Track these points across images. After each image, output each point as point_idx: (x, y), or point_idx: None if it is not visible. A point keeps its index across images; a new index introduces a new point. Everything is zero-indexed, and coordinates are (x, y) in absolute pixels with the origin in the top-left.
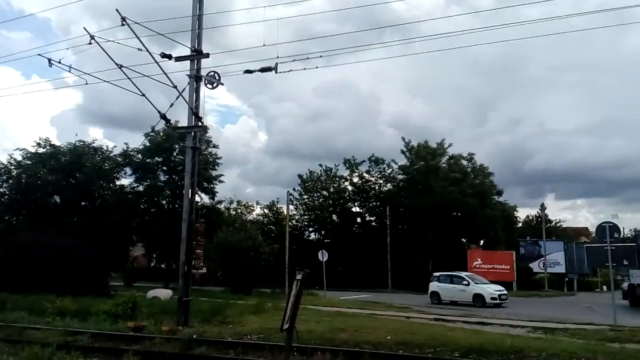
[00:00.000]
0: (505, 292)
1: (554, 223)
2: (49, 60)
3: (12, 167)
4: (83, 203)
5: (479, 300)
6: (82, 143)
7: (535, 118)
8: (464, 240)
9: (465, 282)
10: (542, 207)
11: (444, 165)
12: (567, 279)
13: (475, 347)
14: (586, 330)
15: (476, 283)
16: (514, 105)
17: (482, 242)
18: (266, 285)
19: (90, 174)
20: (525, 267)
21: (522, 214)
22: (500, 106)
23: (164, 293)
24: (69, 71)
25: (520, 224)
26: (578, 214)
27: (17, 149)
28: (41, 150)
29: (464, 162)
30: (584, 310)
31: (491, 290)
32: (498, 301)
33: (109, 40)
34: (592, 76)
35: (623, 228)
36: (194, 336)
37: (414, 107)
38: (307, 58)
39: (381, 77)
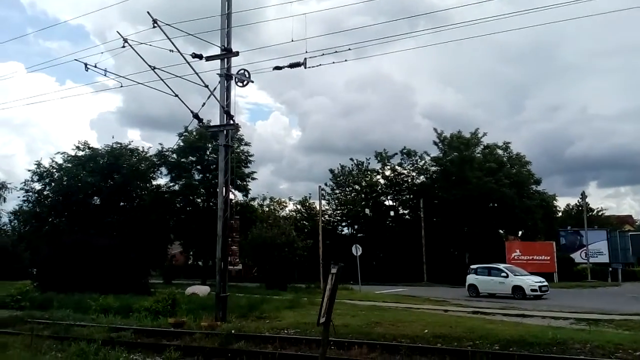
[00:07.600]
0: (545, 283)
1: (595, 212)
2: (85, 64)
3: (54, 170)
4: (122, 203)
5: (518, 292)
6: (119, 145)
7: (575, 104)
8: (501, 231)
9: (503, 274)
10: (583, 195)
11: (479, 155)
12: (610, 269)
13: (516, 339)
14: (632, 321)
15: (515, 275)
16: (551, 91)
17: (520, 233)
18: (301, 280)
19: (128, 175)
20: (566, 257)
21: (562, 203)
22: (537, 93)
23: (202, 289)
24: (105, 75)
25: (560, 214)
26: (622, 201)
27: (58, 152)
28: (80, 153)
29: (500, 152)
30: (630, 301)
31: (531, 281)
32: (538, 293)
33: (142, 43)
34: (633, 59)
35: None
36: (232, 331)
37: (447, 96)
38: (336, 52)
39: (413, 68)
